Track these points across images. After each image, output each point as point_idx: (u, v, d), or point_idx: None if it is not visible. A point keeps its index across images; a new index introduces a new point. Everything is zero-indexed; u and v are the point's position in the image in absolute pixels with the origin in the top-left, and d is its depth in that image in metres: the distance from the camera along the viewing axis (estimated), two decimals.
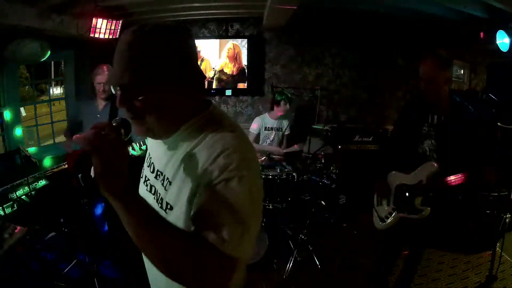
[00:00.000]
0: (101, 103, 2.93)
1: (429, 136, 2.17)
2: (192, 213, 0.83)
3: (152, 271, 1.05)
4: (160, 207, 0.94)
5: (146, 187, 1.03)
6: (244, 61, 5.09)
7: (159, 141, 0.98)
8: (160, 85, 0.84)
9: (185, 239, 0.77)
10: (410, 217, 2.17)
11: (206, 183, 0.81)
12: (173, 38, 0.86)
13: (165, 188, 0.94)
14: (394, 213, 2.27)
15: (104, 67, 2.85)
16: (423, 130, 2.19)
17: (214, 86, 5.14)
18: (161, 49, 0.84)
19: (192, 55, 0.91)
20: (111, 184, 0.73)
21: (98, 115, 2.87)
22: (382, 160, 2.48)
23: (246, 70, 5.12)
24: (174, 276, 0.77)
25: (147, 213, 0.77)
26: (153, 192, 0.99)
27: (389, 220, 2.30)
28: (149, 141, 1.09)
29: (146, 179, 1.04)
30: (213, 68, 5.06)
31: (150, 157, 1.07)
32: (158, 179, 0.98)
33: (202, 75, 0.93)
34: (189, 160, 0.88)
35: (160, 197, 0.95)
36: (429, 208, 2.09)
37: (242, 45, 5.05)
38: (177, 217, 0.88)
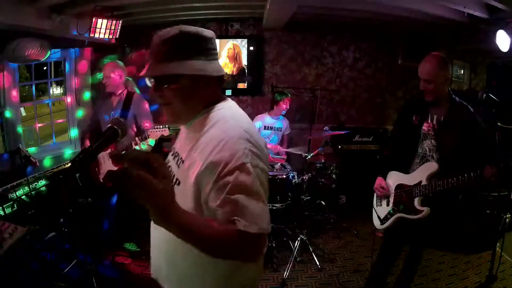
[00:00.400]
0: (115, 100, 3.11)
1: (429, 136, 2.17)
2: (216, 202, 0.92)
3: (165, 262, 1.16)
4: (173, 183, 1.06)
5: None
6: (244, 61, 5.09)
7: (183, 127, 1.18)
8: (183, 78, 1.03)
9: (221, 233, 0.87)
10: (409, 217, 2.17)
11: (218, 171, 0.93)
12: (196, 39, 1.05)
13: (178, 166, 1.12)
14: (393, 213, 2.27)
15: (113, 63, 3.13)
16: (423, 130, 2.18)
17: None
18: (186, 47, 1.03)
19: (212, 53, 1.09)
20: (158, 215, 0.77)
21: (112, 111, 3.06)
22: (381, 160, 2.49)
23: (246, 70, 5.12)
24: (221, 257, 0.91)
25: (190, 223, 0.84)
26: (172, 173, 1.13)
27: (388, 221, 2.30)
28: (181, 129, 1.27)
29: (167, 161, 1.22)
30: None
31: (174, 147, 1.26)
32: (174, 159, 1.17)
33: (220, 72, 1.10)
34: (199, 143, 1.03)
35: (173, 174, 1.12)
36: (428, 209, 2.08)
37: (242, 45, 5.05)
38: (183, 191, 1.02)
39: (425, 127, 2.18)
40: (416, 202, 2.13)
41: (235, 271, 1.10)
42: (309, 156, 3.49)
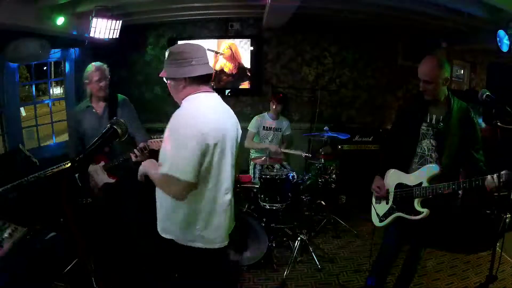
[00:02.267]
0: (99, 107, 2.79)
1: (428, 136, 2.17)
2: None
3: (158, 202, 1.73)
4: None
5: None
6: (244, 60, 5.09)
7: None
8: (170, 79, 1.66)
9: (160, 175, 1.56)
10: (409, 217, 2.17)
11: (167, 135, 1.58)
12: (172, 54, 1.65)
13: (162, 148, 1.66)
14: (392, 212, 2.27)
15: (97, 64, 2.75)
16: (422, 129, 2.19)
17: (213, 86, 5.14)
18: (167, 59, 1.65)
19: (181, 62, 1.61)
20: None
21: (100, 120, 2.75)
22: (381, 158, 2.47)
23: (246, 69, 5.12)
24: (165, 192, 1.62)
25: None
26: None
27: (387, 219, 2.30)
28: None
29: None
30: (214, 70, 5.07)
31: None
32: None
33: (188, 74, 1.61)
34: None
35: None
36: (428, 211, 2.08)
37: (240, 46, 5.05)
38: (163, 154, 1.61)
39: (424, 127, 2.18)
40: (416, 203, 2.13)
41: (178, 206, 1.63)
42: (309, 156, 3.49)
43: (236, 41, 5.06)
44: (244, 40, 5.06)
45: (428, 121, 2.17)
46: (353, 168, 4.33)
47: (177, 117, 1.55)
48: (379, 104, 5.33)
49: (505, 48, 3.10)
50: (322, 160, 3.74)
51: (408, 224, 2.20)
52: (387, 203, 2.32)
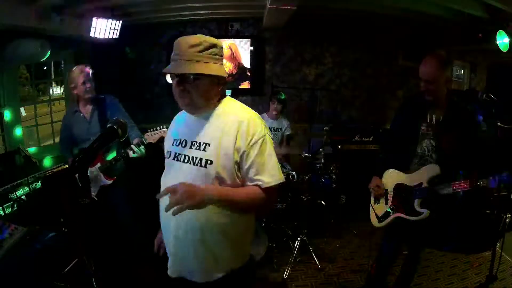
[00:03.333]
0: (87, 110, 2.75)
1: (428, 136, 2.15)
2: (245, 167, 1.32)
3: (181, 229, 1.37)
4: (199, 165, 1.33)
5: (176, 160, 1.41)
6: (244, 60, 5.09)
7: (189, 121, 1.44)
8: (204, 76, 1.32)
9: (251, 192, 1.32)
10: (408, 218, 2.16)
11: (245, 146, 1.30)
12: (215, 47, 1.35)
13: (204, 150, 1.33)
14: (392, 213, 2.27)
15: (80, 67, 2.71)
16: (421, 129, 2.17)
17: None
18: (209, 53, 1.33)
19: (221, 59, 1.39)
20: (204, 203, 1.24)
21: (89, 124, 2.73)
22: (379, 158, 2.45)
23: (246, 69, 5.12)
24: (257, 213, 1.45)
25: (230, 194, 1.29)
26: (187, 160, 1.37)
27: (386, 219, 2.29)
28: (175, 126, 1.55)
29: (176, 154, 1.42)
30: None
31: (178, 139, 1.45)
32: (193, 148, 1.37)
33: (226, 73, 1.38)
34: (223, 128, 1.33)
35: (198, 159, 1.34)
36: (428, 211, 2.08)
37: (240, 45, 5.05)
38: (215, 167, 1.30)
39: (423, 127, 2.16)
40: (416, 203, 2.13)
41: (246, 230, 1.46)
42: (309, 156, 3.49)
43: (236, 41, 5.06)
44: (244, 40, 5.06)
45: (428, 121, 2.16)
46: (353, 168, 4.32)
47: (251, 121, 1.32)
48: (379, 104, 5.33)
49: (505, 48, 3.10)
50: (322, 160, 3.74)
51: (407, 225, 2.19)
52: (386, 203, 2.31)
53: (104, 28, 3.70)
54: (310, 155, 3.53)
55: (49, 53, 3.52)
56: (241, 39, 5.05)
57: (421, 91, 2.13)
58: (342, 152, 4.53)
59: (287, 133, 4.20)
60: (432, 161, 2.13)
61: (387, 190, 2.30)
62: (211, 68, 1.32)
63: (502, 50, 3.14)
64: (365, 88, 5.30)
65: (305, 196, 3.54)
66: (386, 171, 2.31)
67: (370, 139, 4.64)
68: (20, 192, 2.88)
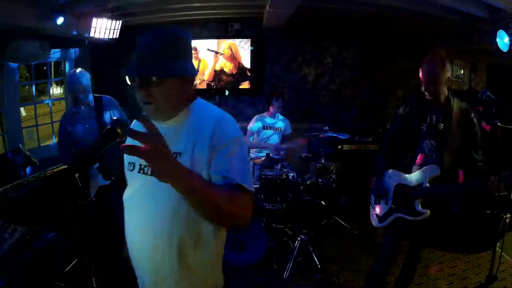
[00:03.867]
0: (85, 111, 2.78)
1: (428, 136, 2.15)
2: (213, 169, 1.08)
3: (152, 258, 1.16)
4: None
5: (142, 173, 1.18)
6: (244, 60, 5.09)
7: (160, 124, 1.15)
8: (174, 77, 1.10)
9: (223, 190, 1.02)
10: (409, 218, 2.16)
11: (217, 147, 1.08)
12: (180, 40, 1.14)
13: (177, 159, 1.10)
14: (392, 213, 2.26)
15: (78, 72, 2.70)
16: (422, 130, 2.16)
17: (213, 86, 5.15)
18: (171, 49, 1.10)
19: (191, 54, 1.18)
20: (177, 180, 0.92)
21: (88, 125, 2.76)
22: (378, 158, 2.44)
23: (246, 69, 5.12)
24: (224, 219, 1.04)
25: (203, 182, 0.99)
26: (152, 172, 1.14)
27: (387, 220, 2.29)
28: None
29: (142, 166, 1.19)
30: (214, 70, 5.08)
31: None
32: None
33: (196, 71, 1.19)
34: (196, 134, 1.12)
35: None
36: (429, 211, 2.08)
37: (240, 46, 5.05)
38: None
39: (424, 127, 2.16)
40: (417, 204, 2.13)
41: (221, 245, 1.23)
42: (309, 156, 3.49)
43: (236, 41, 5.06)
44: (244, 40, 5.06)
45: (428, 121, 2.15)
46: (353, 168, 4.33)
47: (226, 120, 1.16)
48: (379, 104, 5.33)
49: (505, 48, 3.10)
50: (322, 160, 3.74)
51: (408, 225, 2.19)
52: (386, 203, 2.31)
53: (104, 28, 3.70)
54: (310, 155, 3.52)
55: (49, 53, 3.52)
56: (241, 39, 5.05)
57: (421, 91, 2.13)
58: (342, 152, 4.54)
59: (287, 132, 4.21)
60: (433, 161, 2.13)
61: (387, 190, 2.29)
62: (182, 68, 1.13)
63: (502, 50, 3.14)
64: (365, 88, 5.30)
65: (305, 196, 3.55)
66: (386, 171, 2.32)
67: (370, 139, 4.65)
68: (20, 192, 2.88)
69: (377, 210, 2.37)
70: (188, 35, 1.17)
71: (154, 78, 1.07)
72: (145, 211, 1.15)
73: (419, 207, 2.10)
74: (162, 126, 1.09)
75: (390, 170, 2.29)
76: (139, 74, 1.09)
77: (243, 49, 5.07)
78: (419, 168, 2.15)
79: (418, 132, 2.17)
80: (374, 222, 2.38)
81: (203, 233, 1.13)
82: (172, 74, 1.09)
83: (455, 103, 2.11)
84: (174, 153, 1.09)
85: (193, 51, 4.92)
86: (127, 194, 1.24)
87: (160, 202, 1.10)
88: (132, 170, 1.22)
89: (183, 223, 1.10)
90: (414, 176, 2.17)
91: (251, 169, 4.08)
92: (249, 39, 5.05)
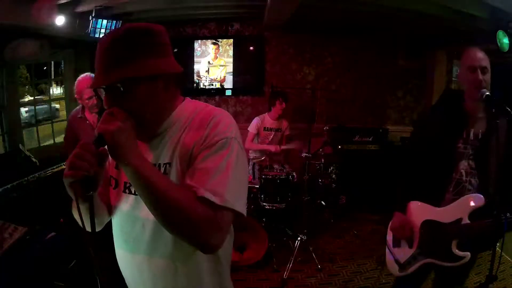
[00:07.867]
0: (93, 117, 2.74)
1: (466, 156, 1.68)
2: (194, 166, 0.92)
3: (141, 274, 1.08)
4: None
5: (128, 192, 1.03)
6: (244, 60, 5.09)
7: (145, 141, 1.00)
8: (140, 83, 0.90)
9: (187, 194, 0.85)
10: (444, 264, 1.68)
11: (199, 149, 0.92)
12: (145, 35, 0.92)
13: (166, 173, 0.96)
14: (420, 258, 1.76)
15: (87, 78, 2.61)
16: (458, 148, 1.69)
17: (207, 86, 5.16)
18: (137, 46, 0.90)
19: (164, 49, 0.96)
20: (125, 156, 0.84)
21: (94, 129, 2.75)
22: (401, 185, 1.88)
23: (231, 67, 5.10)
24: (179, 229, 0.86)
25: (158, 174, 0.88)
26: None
27: (412, 267, 1.78)
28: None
29: (127, 185, 1.03)
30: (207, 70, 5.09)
31: None
32: None
33: (177, 68, 0.97)
34: (183, 142, 0.96)
35: None
36: (469, 254, 1.62)
37: (228, 44, 5.02)
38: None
39: (460, 144, 1.70)
40: (454, 245, 1.63)
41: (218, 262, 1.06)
42: (309, 156, 3.49)
43: (236, 41, 5.06)
44: (244, 40, 5.06)
45: (464, 136, 1.69)
46: (353, 168, 4.33)
47: (222, 120, 0.96)
48: (379, 104, 5.33)
49: (505, 48, 3.10)
50: (322, 160, 3.75)
51: (440, 271, 1.79)
52: (410, 246, 1.80)
53: (104, 28, 3.70)
54: (310, 155, 3.53)
55: (49, 53, 3.52)
56: (241, 39, 5.05)
57: (455, 94, 1.78)
58: (342, 152, 4.54)
59: (287, 133, 4.21)
60: (472, 188, 1.68)
61: (411, 229, 1.79)
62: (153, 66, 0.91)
63: (502, 50, 3.14)
64: (365, 88, 5.30)
65: (305, 196, 3.55)
66: (410, 203, 1.81)
67: (370, 139, 4.65)
68: (20, 192, 2.88)
69: (398, 255, 1.85)
70: (150, 28, 0.93)
71: (121, 87, 0.88)
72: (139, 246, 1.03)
73: (457, 250, 1.63)
74: (148, 142, 1.00)
75: (416, 203, 1.80)
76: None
77: (243, 49, 5.07)
78: (455, 199, 1.69)
79: (453, 151, 1.70)
80: (393, 270, 1.88)
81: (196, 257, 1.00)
82: (124, 76, 0.87)
83: (495, 112, 1.59)
84: (164, 164, 0.97)
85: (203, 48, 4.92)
86: (114, 219, 1.10)
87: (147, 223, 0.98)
88: (115, 188, 1.06)
89: (170, 240, 0.96)
90: (448, 210, 1.69)
91: (251, 169, 4.09)
92: (249, 39, 5.04)
